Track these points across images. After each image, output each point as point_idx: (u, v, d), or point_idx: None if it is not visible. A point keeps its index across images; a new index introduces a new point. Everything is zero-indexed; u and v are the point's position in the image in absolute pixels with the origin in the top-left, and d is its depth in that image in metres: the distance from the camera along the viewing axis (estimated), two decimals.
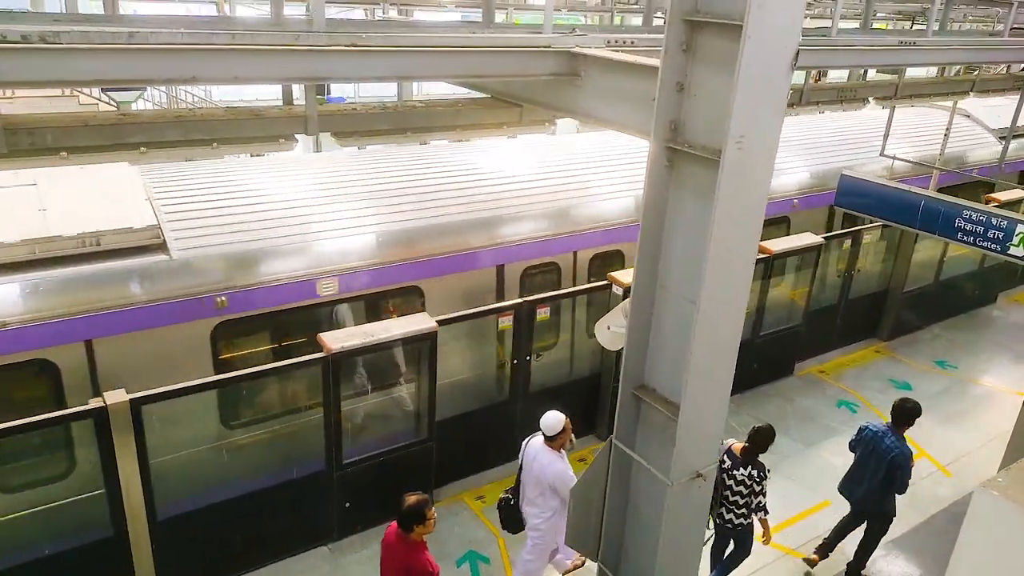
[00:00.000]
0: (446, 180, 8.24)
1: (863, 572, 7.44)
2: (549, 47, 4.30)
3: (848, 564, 7.48)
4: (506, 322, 8.09)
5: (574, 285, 8.89)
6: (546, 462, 6.10)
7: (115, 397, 5.72)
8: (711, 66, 3.39)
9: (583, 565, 6.57)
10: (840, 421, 10.18)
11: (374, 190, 7.86)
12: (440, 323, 7.31)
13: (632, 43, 4.74)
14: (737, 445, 6.58)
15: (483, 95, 6.37)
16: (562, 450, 6.27)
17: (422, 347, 7.33)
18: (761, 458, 6.54)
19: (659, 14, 8.41)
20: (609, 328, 4.48)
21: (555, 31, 4.72)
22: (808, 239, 10.35)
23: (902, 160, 9.72)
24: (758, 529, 6.72)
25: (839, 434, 9.80)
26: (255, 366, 6.48)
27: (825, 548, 7.53)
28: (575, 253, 8.86)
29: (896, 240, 11.90)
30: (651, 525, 4.17)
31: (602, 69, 4.23)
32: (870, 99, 9.68)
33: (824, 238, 10.49)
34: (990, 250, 7.74)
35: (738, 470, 6.39)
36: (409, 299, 7.79)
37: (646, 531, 4.22)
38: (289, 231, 7.13)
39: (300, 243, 7.14)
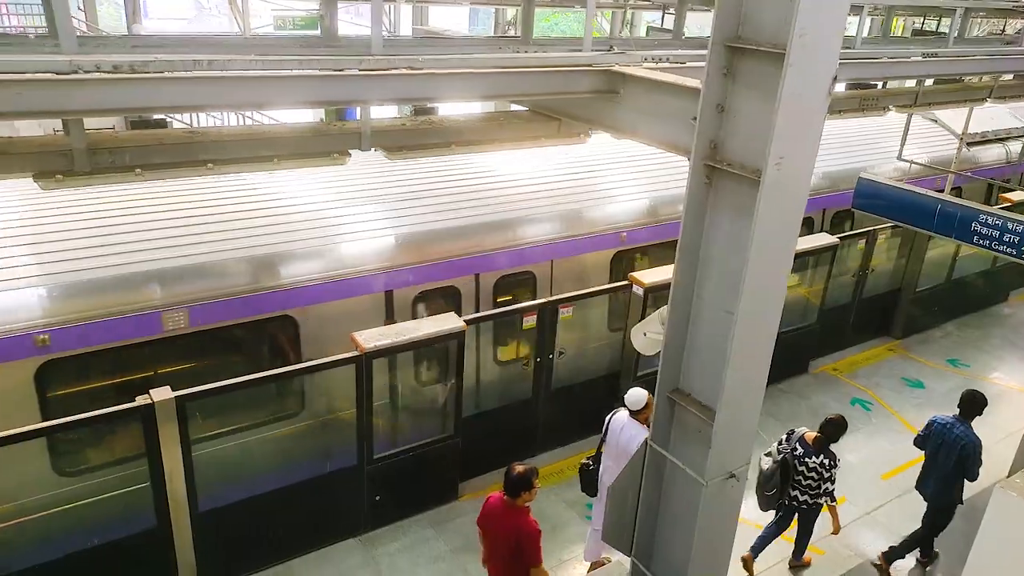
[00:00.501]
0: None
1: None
2: (591, 66, 4.48)
3: (891, 547, 7.63)
4: (530, 321, 8.29)
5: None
6: (634, 432, 6.46)
7: (161, 394, 5.95)
8: (751, 89, 3.57)
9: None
10: (854, 419, 10.29)
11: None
12: (467, 322, 7.52)
13: (667, 59, 4.92)
14: (810, 434, 6.96)
15: (521, 108, 6.54)
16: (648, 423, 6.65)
17: (450, 346, 7.53)
18: None
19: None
20: (646, 335, 4.67)
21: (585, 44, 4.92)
22: (824, 239, 10.51)
23: (920, 164, 9.85)
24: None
25: (853, 432, 9.92)
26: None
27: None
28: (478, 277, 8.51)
29: (910, 240, 12.05)
30: (685, 523, 4.38)
31: (641, 88, 4.42)
32: (891, 107, 9.82)
33: (839, 238, 10.65)
34: (1006, 254, 7.90)
35: (810, 458, 6.81)
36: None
37: (679, 528, 4.43)
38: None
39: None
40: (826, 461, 6.80)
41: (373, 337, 7.04)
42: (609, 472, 6.59)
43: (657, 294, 8.90)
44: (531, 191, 9.19)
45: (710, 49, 3.59)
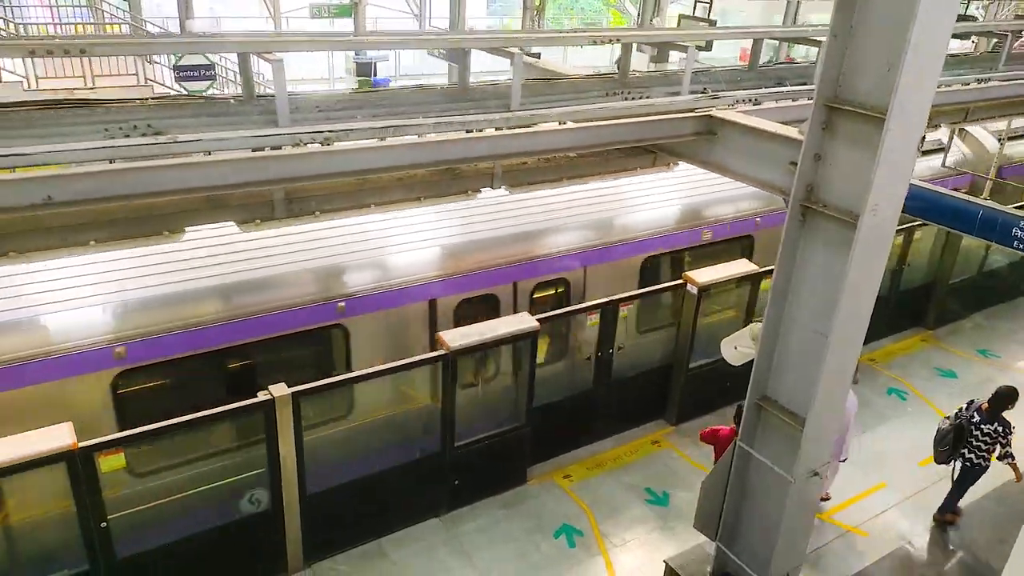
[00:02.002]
0: None
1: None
2: (692, 111, 5.01)
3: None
4: (594, 319, 8.89)
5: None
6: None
7: (280, 390, 6.61)
8: (847, 143, 4.11)
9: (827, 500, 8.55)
10: (890, 408, 10.91)
11: None
12: (540, 321, 8.12)
13: (756, 100, 5.43)
14: (986, 404, 8.04)
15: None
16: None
17: (524, 344, 8.14)
18: None
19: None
20: (736, 348, 5.23)
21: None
22: None
23: (964, 172, 10.30)
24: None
25: (889, 420, 10.56)
26: None
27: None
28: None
29: (944, 235, 12.49)
30: (768, 514, 4.99)
31: (737, 131, 4.94)
32: (941, 124, 10.25)
33: None
34: None
35: (985, 425, 7.90)
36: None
37: (764, 518, 5.04)
38: None
39: None
40: (999, 428, 7.88)
41: (457, 337, 7.66)
42: None
43: (710, 292, 9.48)
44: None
45: (813, 107, 4.12)
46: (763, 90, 5.74)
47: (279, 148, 5.37)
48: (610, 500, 8.78)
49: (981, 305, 13.94)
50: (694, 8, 22.58)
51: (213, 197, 5.75)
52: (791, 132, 4.54)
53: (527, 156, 5.08)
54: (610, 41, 8.58)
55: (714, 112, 5.05)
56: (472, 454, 8.24)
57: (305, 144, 4.53)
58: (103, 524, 6.13)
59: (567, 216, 9.11)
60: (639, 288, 9.62)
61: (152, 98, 7.41)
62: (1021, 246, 8.79)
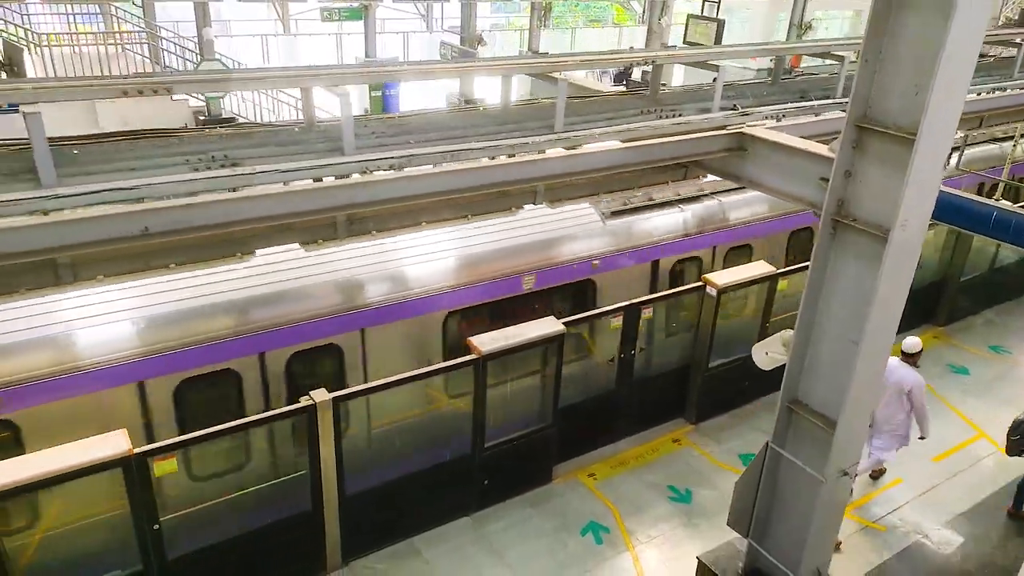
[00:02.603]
0: None
1: None
2: (724, 128, 5.23)
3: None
4: (617, 322, 9.12)
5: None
6: (905, 372, 8.33)
7: (321, 395, 6.85)
8: (877, 161, 4.32)
9: (880, 475, 9.25)
10: None
11: None
12: (565, 324, 8.36)
13: (783, 116, 5.65)
14: None
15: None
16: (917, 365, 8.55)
17: (551, 347, 8.38)
18: None
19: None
20: (767, 353, 5.46)
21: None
22: None
23: (976, 173, 10.50)
24: None
25: None
26: None
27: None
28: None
29: (955, 234, 12.67)
30: (799, 512, 5.22)
31: (767, 148, 5.16)
32: (958, 132, 10.46)
33: None
34: None
35: None
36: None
37: (793, 517, 5.28)
38: None
39: None
40: None
41: (487, 342, 7.90)
42: (880, 406, 8.24)
43: (728, 294, 9.70)
44: None
45: (844, 127, 4.34)
46: (789, 105, 5.95)
47: (346, 175, 5.83)
48: (634, 498, 9.02)
49: (992, 301, 14.13)
50: (702, 7, 22.74)
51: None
52: (820, 149, 4.76)
53: (577, 176, 5.33)
54: (646, 62, 8.77)
55: (744, 129, 5.27)
56: (501, 455, 8.49)
57: (372, 171, 4.83)
58: (156, 526, 6.39)
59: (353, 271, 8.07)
60: (432, 355, 8.95)
61: (221, 124, 7.80)
62: None
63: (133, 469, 6.08)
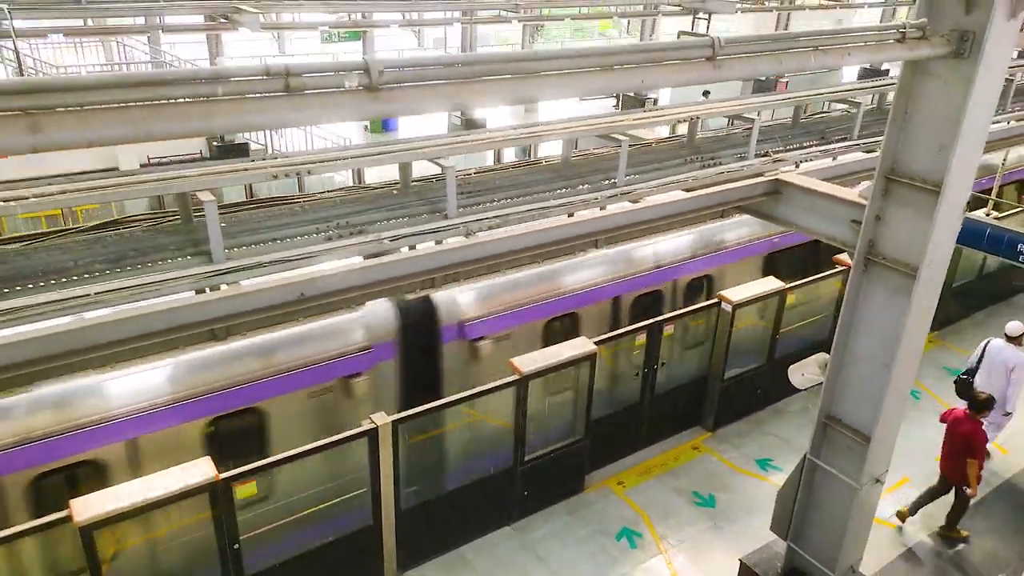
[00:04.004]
0: None
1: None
2: (762, 175, 5.84)
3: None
4: (641, 338, 9.72)
5: None
6: (1011, 353, 9.64)
7: (382, 419, 7.38)
8: (905, 207, 4.94)
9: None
10: (907, 407, 11.79)
11: None
12: (596, 343, 8.94)
13: (809, 158, 6.24)
14: None
15: None
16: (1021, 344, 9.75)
17: (584, 365, 8.95)
18: None
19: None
20: (803, 374, 6.06)
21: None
22: None
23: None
24: None
25: (906, 419, 11.36)
26: None
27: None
28: None
29: None
30: (835, 516, 5.84)
31: (800, 192, 5.77)
32: None
33: None
34: None
35: None
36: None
37: (829, 520, 5.89)
38: None
39: None
40: None
41: (527, 363, 8.47)
42: (983, 385, 9.36)
43: (743, 309, 10.33)
44: None
45: (875, 177, 4.96)
46: (814, 150, 6.56)
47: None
48: (662, 503, 9.61)
49: (980, 306, 14.91)
50: (692, 25, 23.50)
51: None
52: (850, 194, 5.37)
53: (641, 226, 5.97)
54: (688, 119, 9.47)
55: (780, 176, 5.88)
56: (539, 467, 9.05)
57: (474, 232, 5.47)
58: (235, 545, 6.88)
59: None
60: None
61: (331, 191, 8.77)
62: None
63: (218, 493, 6.57)
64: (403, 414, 7.56)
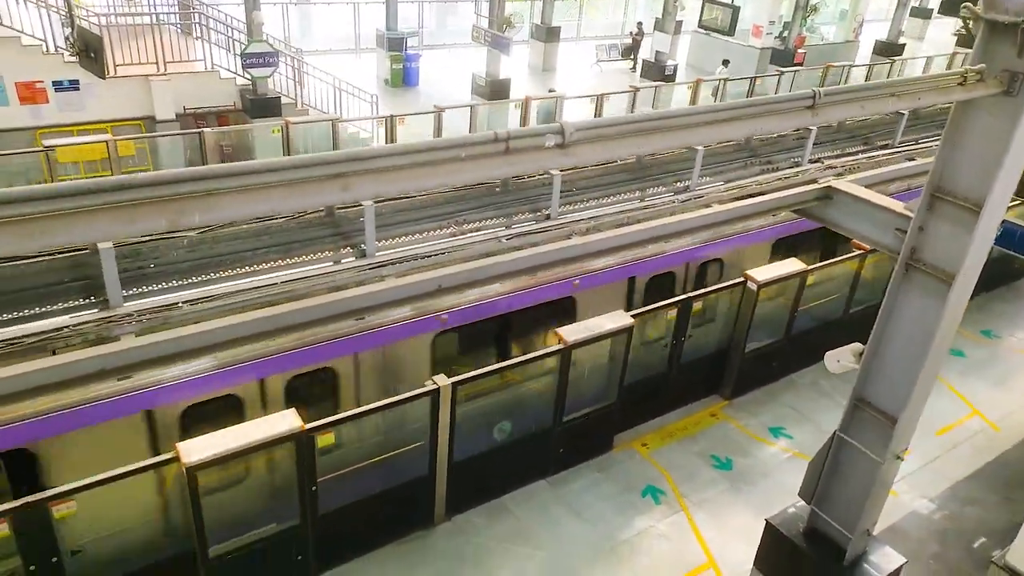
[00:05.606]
0: None
1: None
2: (816, 181, 6.38)
3: None
4: (672, 313, 10.41)
5: None
6: None
7: (442, 380, 8.09)
8: (947, 222, 5.57)
9: None
10: None
11: None
12: (633, 316, 9.63)
13: (857, 167, 6.80)
14: None
15: None
16: None
17: (621, 337, 9.65)
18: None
19: None
20: (839, 361, 6.74)
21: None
22: None
23: None
24: None
25: None
26: None
27: None
28: None
29: None
30: (856, 485, 6.62)
31: (850, 198, 6.36)
32: None
33: None
34: None
35: None
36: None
37: (850, 489, 6.68)
38: None
39: None
40: None
41: (571, 332, 9.16)
42: None
43: (768, 288, 11.01)
44: None
45: (923, 193, 5.59)
46: (860, 157, 7.10)
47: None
48: (683, 465, 10.44)
49: (979, 289, 15.60)
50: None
51: None
52: (897, 205, 5.99)
53: (712, 227, 6.57)
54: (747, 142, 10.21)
55: (832, 183, 6.47)
56: (575, 427, 9.82)
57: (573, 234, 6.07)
58: (314, 488, 7.64)
59: None
60: None
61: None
62: None
63: (303, 442, 7.30)
64: (460, 377, 8.26)
